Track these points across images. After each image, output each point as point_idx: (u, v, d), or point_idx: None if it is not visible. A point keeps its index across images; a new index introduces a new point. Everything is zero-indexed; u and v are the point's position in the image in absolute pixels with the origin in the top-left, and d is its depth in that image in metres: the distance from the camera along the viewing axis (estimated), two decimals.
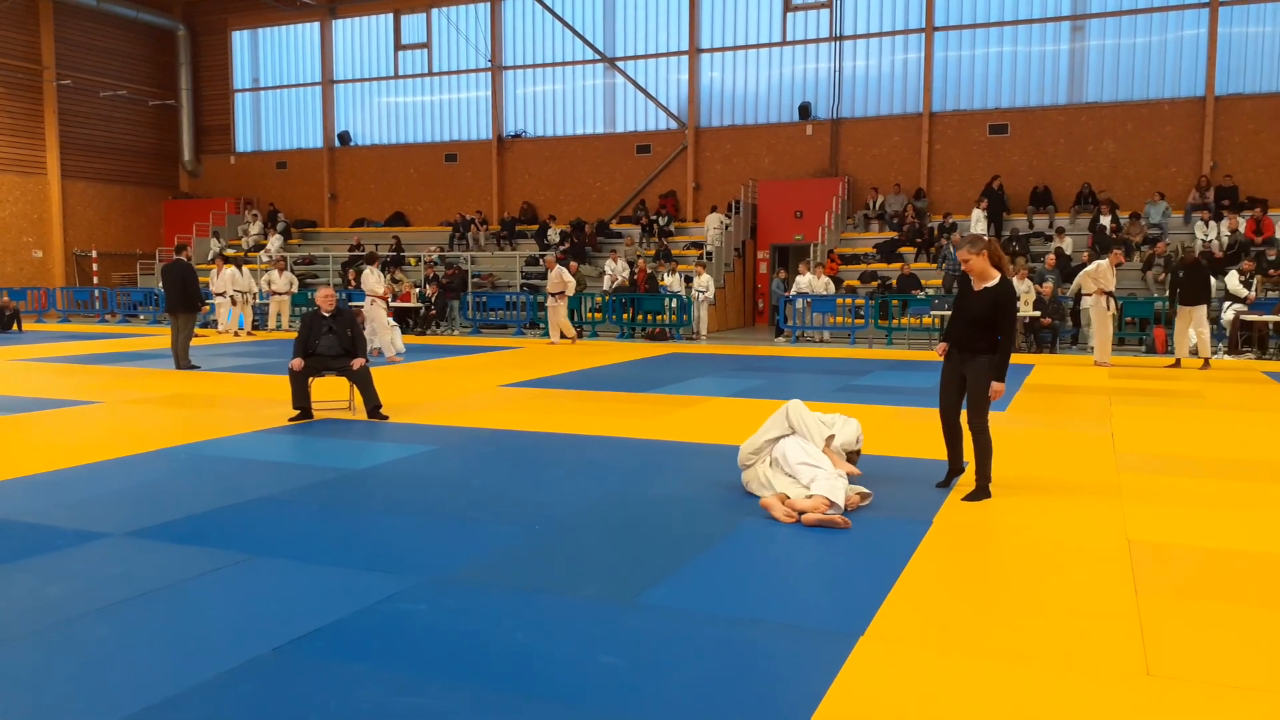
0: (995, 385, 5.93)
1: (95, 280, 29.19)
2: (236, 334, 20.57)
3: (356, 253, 26.84)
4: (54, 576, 4.56)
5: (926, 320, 18.63)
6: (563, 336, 18.78)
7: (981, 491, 5.99)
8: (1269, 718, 3.15)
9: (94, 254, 29.56)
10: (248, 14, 31.17)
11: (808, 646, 3.73)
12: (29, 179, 28.54)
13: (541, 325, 21.62)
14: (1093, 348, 15.02)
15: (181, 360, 13.70)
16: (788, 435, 6.07)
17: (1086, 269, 14.83)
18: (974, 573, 4.64)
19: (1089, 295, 14.79)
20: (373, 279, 16.34)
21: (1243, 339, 16.35)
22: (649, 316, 20.86)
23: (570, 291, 18.81)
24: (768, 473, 5.95)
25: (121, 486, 6.41)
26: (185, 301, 13.82)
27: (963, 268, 6.11)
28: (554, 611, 4.08)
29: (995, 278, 5.99)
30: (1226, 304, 16.81)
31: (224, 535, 5.22)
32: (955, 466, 6.40)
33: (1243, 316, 16.38)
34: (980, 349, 5.99)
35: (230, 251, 28.35)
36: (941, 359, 6.33)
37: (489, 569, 4.67)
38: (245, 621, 3.97)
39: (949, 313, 17.55)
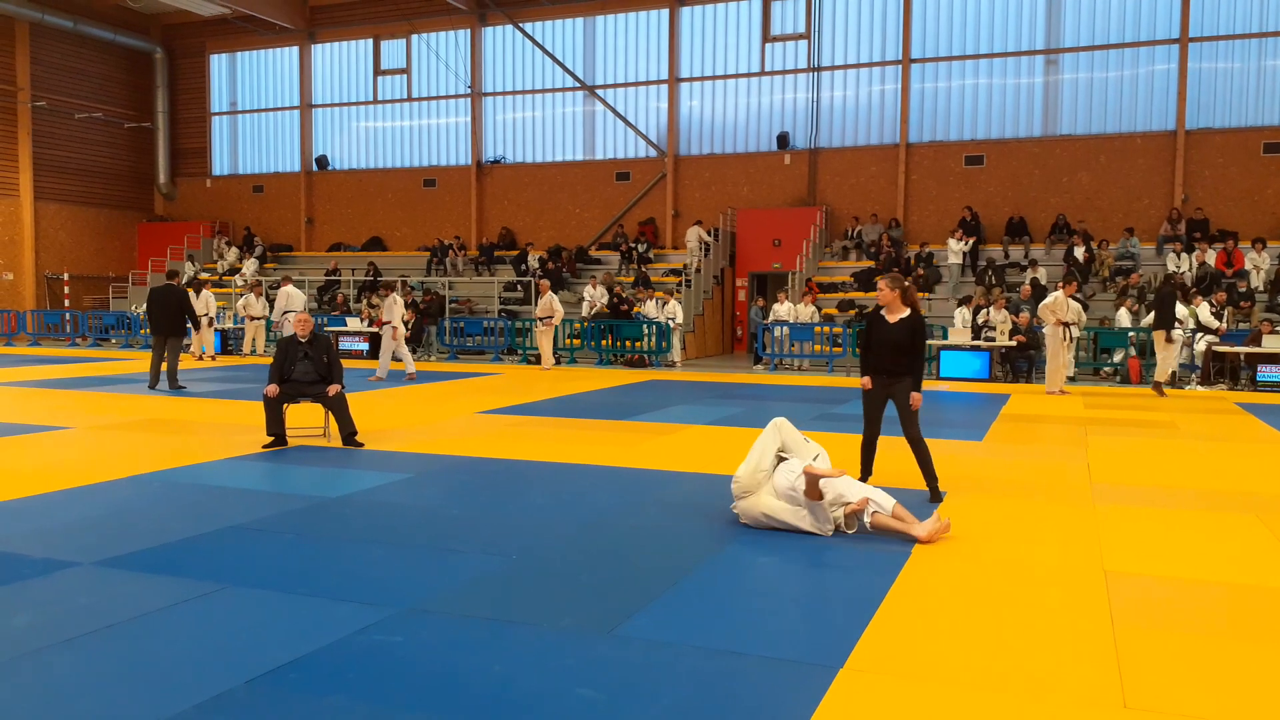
0: (915, 396, 6.87)
1: (66, 303, 28.91)
2: (200, 358, 20.42)
3: (333, 277, 26.74)
4: (20, 606, 4.47)
5: None
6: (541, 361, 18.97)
7: (935, 494, 6.77)
8: None
9: (66, 277, 29.30)
10: (226, 38, 31.15)
11: (787, 678, 3.71)
12: (1, 201, 28.27)
13: (520, 351, 21.66)
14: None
15: (173, 382, 14.11)
16: (785, 459, 6.06)
17: (1045, 301, 14.98)
18: (952, 604, 4.63)
19: (1047, 326, 14.98)
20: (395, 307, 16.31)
21: (1215, 370, 16.54)
22: (627, 343, 20.86)
23: (558, 319, 19.00)
24: (783, 506, 5.89)
25: (91, 514, 6.31)
26: (180, 326, 14.31)
27: (888, 297, 6.92)
28: (531, 643, 4.03)
29: (907, 310, 6.93)
30: (1199, 335, 17.01)
31: (196, 564, 5.14)
32: (868, 472, 7.09)
33: (1214, 348, 16.58)
34: (904, 371, 6.92)
35: (205, 275, 28.18)
36: (866, 389, 7.07)
37: (465, 599, 4.62)
38: (218, 653, 3.90)
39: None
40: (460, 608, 4.48)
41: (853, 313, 21.10)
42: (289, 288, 16.63)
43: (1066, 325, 14.78)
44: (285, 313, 16.45)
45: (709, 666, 3.81)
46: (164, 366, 14.20)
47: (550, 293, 19.01)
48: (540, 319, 18.89)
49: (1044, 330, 15.14)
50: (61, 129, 29.56)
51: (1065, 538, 5.85)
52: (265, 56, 31.29)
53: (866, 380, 7.08)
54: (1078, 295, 17.78)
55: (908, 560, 5.30)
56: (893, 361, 6.92)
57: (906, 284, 6.97)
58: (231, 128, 32.04)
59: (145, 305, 15.92)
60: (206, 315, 20.69)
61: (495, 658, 3.87)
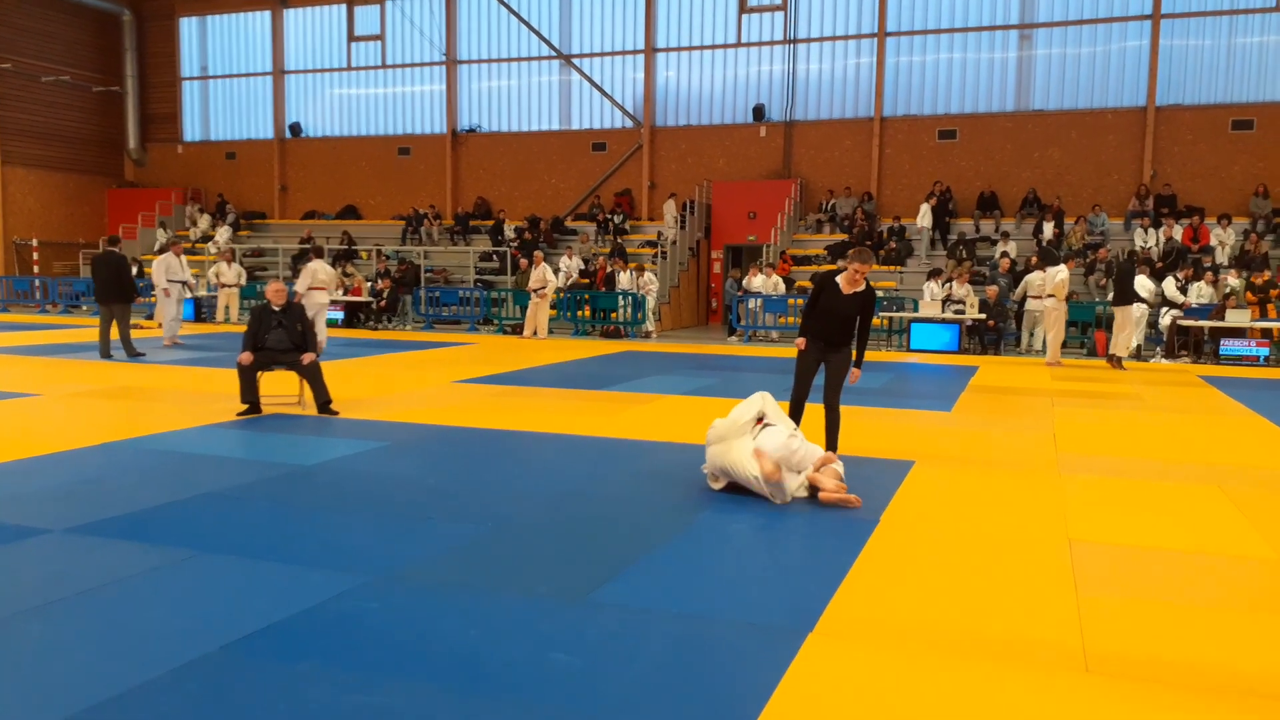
0: (855, 372, 7.13)
1: (36, 270, 28.50)
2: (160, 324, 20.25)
3: (305, 245, 26.49)
4: None
5: (876, 321, 18.87)
6: (534, 334, 19.33)
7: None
8: (1204, 715, 3.25)
9: (34, 243, 28.85)
10: (196, 1, 30.60)
11: (758, 642, 3.78)
12: None
13: (496, 321, 21.66)
14: (1039, 349, 15.51)
15: (128, 350, 14.10)
16: (770, 425, 6.14)
17: (1057, 279, 15.06)
18: (919, 571, 4.72)
19: (1051, 298, 15.13)
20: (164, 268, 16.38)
21: (1179, 344, 16.79)
22: (605, 314, 20.89)
23: (551, 290, 19.26)
24: (746, 462, 5.96)
25: (61, 481, 6.28)
26: (121, 292, 14.21)
27: (862, 272, 6.91)
28: (506, 610, 4.08)
29: (864, 285, 7.00)
30: (1164, 309, 17.25)
31: (168, 532, 5.14)
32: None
33: (1179, 322, 16.82)
34: (844, 342, 7.06)
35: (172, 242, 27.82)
36: (798, 351, 7.16)
37: (440, 567, 4.65)
38: (191, 620, 3.91)
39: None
40: (435, 575, 4.52)
41: None
42: (168, 256, 16.48)
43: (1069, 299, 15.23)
44: (170, 282, 16.20)
45: (682, 631, 3.87)
46: (114, 335, 14.15)
47: (544, 264, 19.28)
48: (534, 291, 19.15)
49: (1046, 304, 15.28)
50: (28, 92, 28.98)
51: (1031, 507, 5.96)
52: (236, 20, 30.78)
53: (802, 341, 7.13)
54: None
55: (876, 527, 5.39)
56: (837, 332, 7.00)
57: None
58: (203, 93, 31.55)
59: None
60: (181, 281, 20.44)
61: (470, 624, 3.91)
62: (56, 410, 9.26)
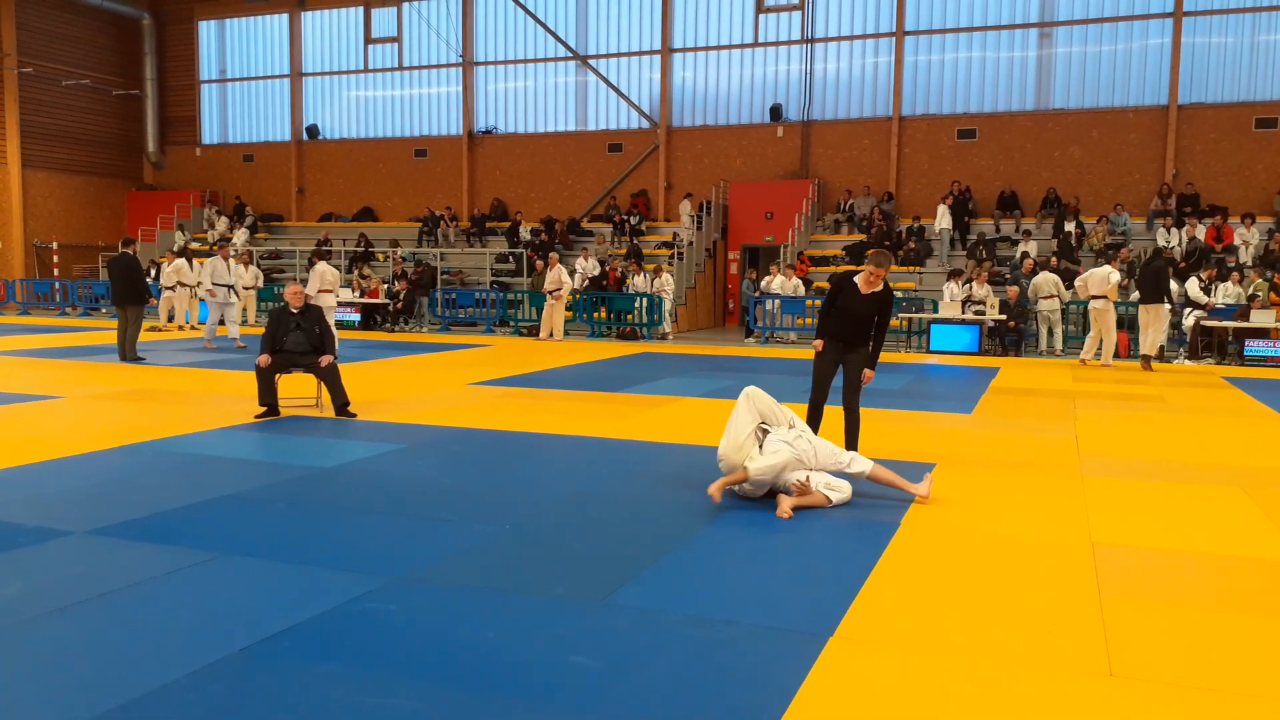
0: (868, 373, 7.01)
1: (56, 272, 28.72)
2: (180, 328, 20.37)
3: (325, 247, 26.60)
4: (13, 575, 4.47)
5: (894, 323, 18.78)
6: (550, 335, 19.36)
7: None
8: (1229, 717, 3.21)
9: (55, 245, 29.09)
10: (215, 4, 30.81)
11: (778, 646, 3.75)
12: None
13: (512, 323, 21.70)
14: (1059, 350, 15.33)
15: (129, 353, 14.01)
16: (765, 428, 6.11)
17: (1116, 278, 14.98)
18: (941, 574, 4.68)
19: (1099, 298, 14.98)
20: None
21: (1202, 345, 16.64)
22: (620, 315, 20.88)
23: (566, 291, 19.28)
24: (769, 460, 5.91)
25: (84, 483, 6.31)
26: (134, 294, 14.24)
27: (878, 274, 6.89)
28: (525, 611, 4.06)
29: (881, 285, 6.99)
30: (1187, 310, 17.10)
31: (189, 534, 5.15)
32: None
33: (1202, 322, 16.67)
34: (862, 342, 7.02)
35: (195, 245, 28.01)
36: (815, 353, 7.13)
37: (459, 569, 4.64)
38: (212, 621, 3.92)
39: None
40: (453, 577, 4.51)
41: None
42: (214, 260, 16.82)
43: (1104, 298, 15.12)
44: (215, 285, 16.68)
45: (701, 634, 3.85)
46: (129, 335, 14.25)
47: (559, 265, 19.31)
48: (549, 292, 19.17)
49: (1096, 305, 15.10)
50: (48, 96, 29.22)
51: (1053, 509, 5.91)
52: (254, 24, 30.97)
53: (820, 343, 7.10)
54: (1060, 268, 17.91)
55: (897, 531, 5.35)
56: (854, 332, 6.97)
57: (889, 260, 7.05)
58: (221, 96, 31.75)
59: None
60: (175, 287, 20.54)
61: (488, 626, 3.90)
62: (79, 412, 9.32)
